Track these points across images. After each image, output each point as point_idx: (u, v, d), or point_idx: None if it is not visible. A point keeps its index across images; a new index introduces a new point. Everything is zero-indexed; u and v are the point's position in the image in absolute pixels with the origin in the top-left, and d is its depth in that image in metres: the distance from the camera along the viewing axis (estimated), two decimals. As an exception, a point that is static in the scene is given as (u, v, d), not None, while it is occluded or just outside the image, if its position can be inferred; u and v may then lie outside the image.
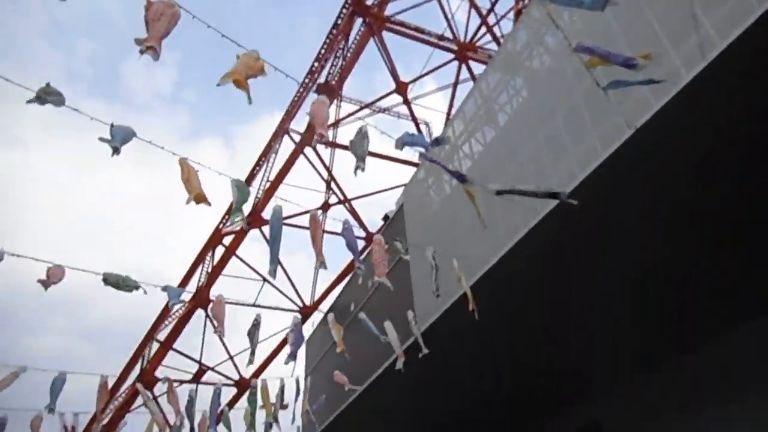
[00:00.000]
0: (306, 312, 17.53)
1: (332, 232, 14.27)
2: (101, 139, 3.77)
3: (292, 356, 6.44)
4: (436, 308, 7.29)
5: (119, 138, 3.80)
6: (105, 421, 12.70)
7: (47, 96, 4.26)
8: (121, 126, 3.88)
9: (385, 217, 16.11)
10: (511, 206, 6.15)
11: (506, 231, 6.62)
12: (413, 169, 13.20)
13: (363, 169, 4.26)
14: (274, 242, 4.96)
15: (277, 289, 17.45)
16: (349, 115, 17.86)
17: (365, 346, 7.69)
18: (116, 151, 3.77)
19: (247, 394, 8.45)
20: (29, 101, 4.21)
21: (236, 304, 16.88)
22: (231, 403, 16.19)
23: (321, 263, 5.11)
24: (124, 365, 17.77)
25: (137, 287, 5.62)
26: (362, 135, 4.41)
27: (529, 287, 6.59)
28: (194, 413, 8.09)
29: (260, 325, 6.83)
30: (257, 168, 16.00)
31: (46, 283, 5.27)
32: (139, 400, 15.94)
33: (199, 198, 4.35)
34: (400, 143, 4.28)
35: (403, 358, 6.67)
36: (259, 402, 8.03)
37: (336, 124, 17.30)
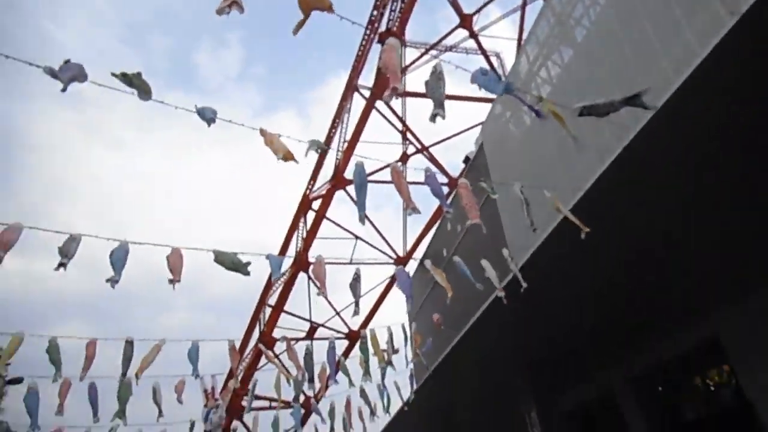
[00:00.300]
0: (400, 262, 17.93)
1: (415, 183, 14.30)
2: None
3: (408, 295, 6.75)
4: (532, 241, 7.15)
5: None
6: (239, 379, 14.00)
7: (138, 83, 4.56)
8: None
9: (466, 159, 15.84)
10: (600, 125, 5.79)
11: (597, 152, 6.27)
12: (489, 106, 12.76)
13: (443, 116, 4.06)
14: (360, 190, 5.03)
15: (369, 244, 17.96)
16: (416, 59, 17.42)
17: (463, 289, 7.74)
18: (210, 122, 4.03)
19: (358, 344, 8.91)
20: (122, 75, 4.49)
21: (334, 263, 17.62)
22: (345, 354, 17.15)
23: (412, 209, 5.15)
24: (245, 331, 19.35)
25: (246, 268, 5.79)
26: (437, 76, 4.12)
27: (635, 203, 6.24)
28: (313, 366, 8.73)
29: (360, 279, 7.08)
30: (333, 131, 16.24)
31: (174, 281, 5.52)
32: (263, 359, 17.37)
33: (288, 156, 4.56)
34: (475, 79, 4.08)
35: (503, 293, 6.65)
36: (371, 350, 8.48)
37: (404, 71, 16.98)
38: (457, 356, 10.10)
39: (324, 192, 17.67)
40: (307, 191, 18.32)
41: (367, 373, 8.57)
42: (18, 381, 9.99)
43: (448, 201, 7.59)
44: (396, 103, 16.07)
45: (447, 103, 4.17)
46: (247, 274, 5.81)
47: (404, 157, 17.57)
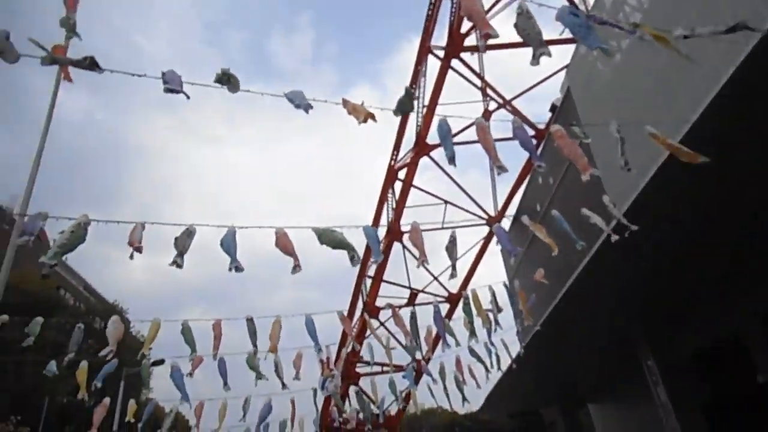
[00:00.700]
0: (493, 222, 17.67)
1: (501, 139, 13.96)
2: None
3: (511, 251, 6.73)
4: (633, 184, 6.77)
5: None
6: (349, 348, 14.71)
7: (228, 78, 4.84)
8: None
9: (553, 108, 15.13)
10: (703, 46, 5.29)
11: (703, 79, 5.75)
12: (572, 48, 12.02)
13: (548, 54, 3.73)
14: (446, 139, 5.00)
15: (459, 207, 17.83)
16: (492, 6, 16.62)
17: (562, 242, 7.52)
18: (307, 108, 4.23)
19: (461, 305, 8.99)
20: (222, 74, 4.79)
21: (428, 229, 17.72)
22: (448, 316, 17.37)
23: (499, 167, 5.06)
24: (349, 303, 20.14)
25: (352, 248, 5.84)
26: (526, 15, 3.86)
27: (750, 129, 5.71)
28: (418, 329, 8.98)
29: (456, 242, 7.10)
30: (414, 86, 16.12)
31: (295, 270, 5.72)
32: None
33: (368, 116, 4.66)
34: (561, 18, 3.84)
35: (616, 237, 6.36)
36: (474, 310, 8.55)
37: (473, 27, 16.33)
38: (564, 309, 9.92)
39: (408, 160, 17.71)
40: (392, 162, 18.44)
41: (473, 333, 8.67)
42: (160, 362, 11.09)
43: (538, 152, 7.33)
44: (471, 58, 15.58)
45: (522, 50, 4.00)
46: (353, 252, 5.87)
47: (486, 115, 17.09)
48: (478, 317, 8.68)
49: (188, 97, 4.73)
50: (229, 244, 5.69)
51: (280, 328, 7.91)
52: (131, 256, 5.50)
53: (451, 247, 7.16)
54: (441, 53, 14.22)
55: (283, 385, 9.44)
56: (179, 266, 5.58)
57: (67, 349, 8.59)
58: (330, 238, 5.81)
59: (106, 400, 10.44)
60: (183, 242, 5.61)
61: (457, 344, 9.25)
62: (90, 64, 4.54)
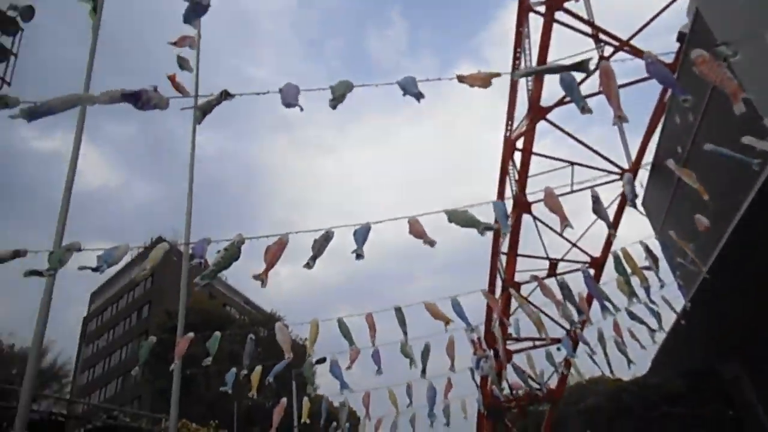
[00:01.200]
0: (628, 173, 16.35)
1: (624, 84, 12.90)
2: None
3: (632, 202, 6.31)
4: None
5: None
6: (496, 326, 14.59)
7: (342, 91, 5.04)
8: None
9: (680, 37, 13.60)
10: None
11: None
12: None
13: None
14: (573, 91, 4.72)
15: (587, 166, 16.76)
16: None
17: (711, 184, 6.76)
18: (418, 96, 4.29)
19: (607, 268, 8.48)
20: (333, 102, 5.04)
21: (560, 195, 16.89)
22: (596, 280, 16.47)
23: (618, 117, 4.63)
24: (488, 283, 19.94)
25: (481, 224, 5.74)
26: None
27: None
28: (573, 296, 8.63)
29: (600, 199, 6.66)
30: (516, 62, 15.49)
31: (430, 244, 5.83)
32: (513, 305, 17.71)
33: (486, 81, 4.58)
34: None
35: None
36: (628, 269, 7.99)
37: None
38: (736, 246, 8.94)
39: (524, 128, 17.06)
40: (507, 133, 17.89)
41: (632, 294, 8.13)
42: (322, 360, 11.85)
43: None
44: (576, 6, 14.50)
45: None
46: (486, 229, 5.81)
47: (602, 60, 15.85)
48: (634, 276, 8.10)
49: (302, 109, 4.98)
50: (360, 234, 5.90)
51: (435, 308, 8.00)
52: (262, 283, 5.87)
53: (598, 206, 6.71)
54: (542, 9, 13.48)
55: (424, 371, 9.59)
56: (310, 267, 5.83)
57: (241, 357, 9.58)
58: (459, 217, 5.82)
59: (283, 401, 11.44)
60: (320, 246, 5.90)
61: (616, 309, 8.75)
62: (224, 95, 5.00)
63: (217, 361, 8.93)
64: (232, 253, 5.64)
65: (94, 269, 5.43)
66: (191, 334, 8.75)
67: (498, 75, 4.57)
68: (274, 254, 5.69)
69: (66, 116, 5.84)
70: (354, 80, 5.03)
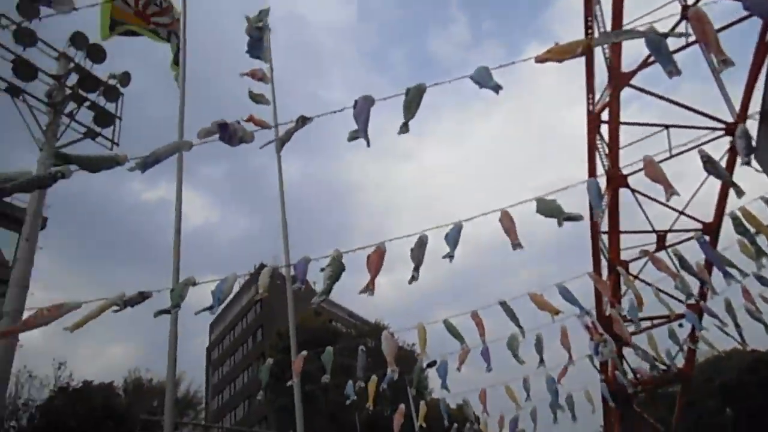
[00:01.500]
0: (733, 128, 14.91)
1: (719, 29, 11.84)
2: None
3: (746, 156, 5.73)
4: None
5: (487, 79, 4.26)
6: (608, 309, 13.90)
7: (413, 100, 5.07)
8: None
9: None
10: None
11: None
12: None
13: None
14: (660, 52, 4.40)
15: (685, 126, 15.52)
16: None
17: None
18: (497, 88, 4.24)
19: (723, 232, 7.79)
20: (403, 127, 5.07)
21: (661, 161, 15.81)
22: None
23: (722, 62, 4.24)
24: (592, 266, 19.03)
25: (562, 214, 5.48)
26: None
27: None
28: (689, 266, 8.02)
29: (712, 157, 6.06)
30: (589, 32, 14.75)
31: (516, 247, 5.67)
32: (623, 287, 16.73)
33: (567, 53, 4.41)
34: None
35: None
36: (751, 228, 7.27)
37: None
38: None
39: (607, 99, 16.19)
40: (590, 107, 17.07)
41: (760, 252, 7.37)
42: (433, 364, 11.89)
43: None
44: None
45: None
46: (567, 219, 5.51)
47: (684, 10, 14.65)
48: (760, 235, 7.34)
49: (368, 144, 5.05)
50: (452, 236, 5.85)
51: (541, 298, 7.78)
52: (369, 292, 5.98)
53: (712, 164, 6.12)
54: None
55: (541, 360, 9.32)
56: (415, 279, 5.85)
57: (353, 369, 9.85)
58: (546, 207, 5.57)
59: (401, 407, 11.62)
60: (418, 253, 5.92)
61: (743, 274, 7.98)
62: (302, 121, 5.24)
63: (332, 374, 9.27)
64: (338, 267, 5.85)
65: (209, 308, 5.91)
66: (304, 353, 9.16)
67: (582, 43, 4.35)
68: (375, 264, 5.83)
69: (168, 167, 6.41)
70: (422, 80, 5.03)
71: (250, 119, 8.72)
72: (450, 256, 5.70)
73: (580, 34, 14.85)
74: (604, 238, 18.48)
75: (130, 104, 10.38)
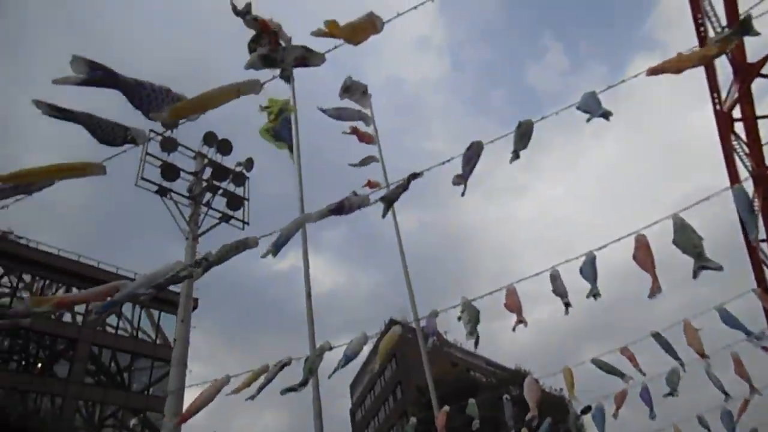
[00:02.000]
0: None
1: None
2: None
3: None
4: None
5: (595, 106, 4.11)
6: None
7: (525, 134, 5.01)
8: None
9: None
10: None
11: None
12: None
13: None
14: None
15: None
16: None
17: None
18: (607, 115, 4.05)
19: None
20: (514, 155, 5.01)
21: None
22: None
23: None
24: (755, 279, 16.73)
25: (695, 253, 5.02)
26: None
27: None
28: None
29: None
30: (701, 30, 13.63)
31: (654, 293, 5.29)
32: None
33: (684, 63, 4.08)
34: None
35: None
36: None
37: None
38: None
39: (736, 95, 14.64)
40: (716, 107, 15.51)
41: None
42: (587, 410, 10.95)
43: None
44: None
45: None
46: (703, 268, 4.91)
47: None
48: None
49: (463, 193, 5.06)
50: (588, 271, 5.54)
51: (696, 332, 7.01)
52: (524, 323, 5.89)
53: None
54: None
55: (726, 395, 8.28)
56: (568, 308, 5.67)
57: (496, 420, 9.36)
58: (684, 239, 5.03)
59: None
60: (558, 287, 5.71)
61: None
62: (411, 178, 5.39)
63: (480, 427, 8.91)
64: (473, 311, 5.87)
65: (336, 370, 6.09)
66: (447, 408, 8.92)
67: (704, 54, 4.03)
68: (514, 303, 5.75)
69: (294, 237, 6.86)
70: (527, 115, 5.00)
71: (368, 184, 9.08)
72: (595, 294, 5.37)
73: (690, 36, 13.77)
74: (764, 246, 16.25)
75: (252, 185, 11.41)
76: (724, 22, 12.69)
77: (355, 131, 12.06)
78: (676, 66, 4.09)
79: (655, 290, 5.09)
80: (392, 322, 36.56)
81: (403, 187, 5.56)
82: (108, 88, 3.76)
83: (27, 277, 29.86)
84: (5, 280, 29.36)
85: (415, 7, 4.52)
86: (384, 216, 5.76)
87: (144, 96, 3.78)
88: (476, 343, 6.07)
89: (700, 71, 15.09)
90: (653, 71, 4.18)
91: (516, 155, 4.89)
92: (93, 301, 4.82)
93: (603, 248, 5.75)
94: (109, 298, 4.61)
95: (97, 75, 3.64)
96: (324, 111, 10.62)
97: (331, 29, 4.21)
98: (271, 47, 4.64)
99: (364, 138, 12.26)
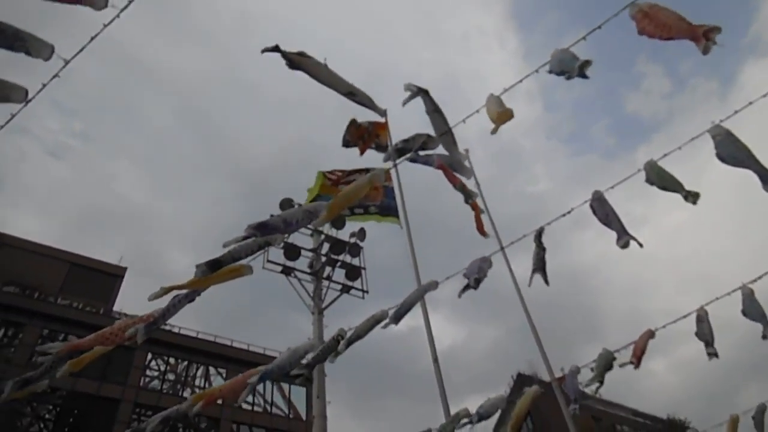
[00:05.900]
0: None
1: None
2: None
3: None
4: None
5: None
6: None
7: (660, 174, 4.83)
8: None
9: None
10: None
11: None
12: None
13: None
14: None
15: None
16: None
17: None
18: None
19: None
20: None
21: None
22: None
23: None
24: None
25: None
26: None
27: None
28: None
29: None
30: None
31: None
32: None
33: None
34: None
35: None
36: None
37: None
38: None
39: None
40: None
41: None
42: None
43: None
44: None
45: None
46: None
47: None
48: None
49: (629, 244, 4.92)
50: (751, 308, 4.98)
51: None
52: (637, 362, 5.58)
53: None
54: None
55: None
56: (715, 356, 5.20)
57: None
58: None
59: None
60: (704, 331, 5.25)
61: None
62: (538, 235, 5.35)
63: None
64: (608, 357, 5.63)
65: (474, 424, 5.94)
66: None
67: None
68: (639, 347, 5.43)
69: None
70: (634, 144, 4.85)
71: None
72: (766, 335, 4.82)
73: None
74: None
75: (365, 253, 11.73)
76: None
77: (462, 188, 12.11)
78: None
79: None
80: (520, 377, 34.70)
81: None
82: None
83: (171, 360, 32.48)
84: (153, 363, 32.15)
85: (520, 81, 4.66)
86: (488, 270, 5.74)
87: (293, 222, 4.57)
88: (598, 388, 5.81)
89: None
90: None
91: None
92: (234, 389, 5.31)
93: (755, 281, 5.24)
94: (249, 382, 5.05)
95: (257, 234, 4.43)
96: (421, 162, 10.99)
97: (501, 118, 4.64)
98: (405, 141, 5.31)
99: (465, 190, 12.25)
